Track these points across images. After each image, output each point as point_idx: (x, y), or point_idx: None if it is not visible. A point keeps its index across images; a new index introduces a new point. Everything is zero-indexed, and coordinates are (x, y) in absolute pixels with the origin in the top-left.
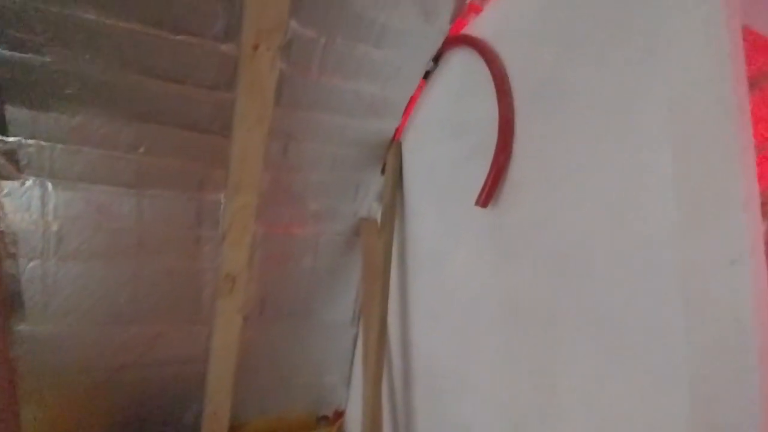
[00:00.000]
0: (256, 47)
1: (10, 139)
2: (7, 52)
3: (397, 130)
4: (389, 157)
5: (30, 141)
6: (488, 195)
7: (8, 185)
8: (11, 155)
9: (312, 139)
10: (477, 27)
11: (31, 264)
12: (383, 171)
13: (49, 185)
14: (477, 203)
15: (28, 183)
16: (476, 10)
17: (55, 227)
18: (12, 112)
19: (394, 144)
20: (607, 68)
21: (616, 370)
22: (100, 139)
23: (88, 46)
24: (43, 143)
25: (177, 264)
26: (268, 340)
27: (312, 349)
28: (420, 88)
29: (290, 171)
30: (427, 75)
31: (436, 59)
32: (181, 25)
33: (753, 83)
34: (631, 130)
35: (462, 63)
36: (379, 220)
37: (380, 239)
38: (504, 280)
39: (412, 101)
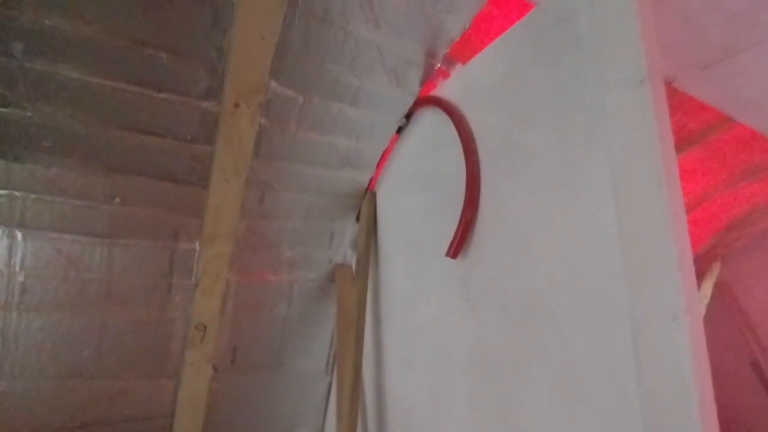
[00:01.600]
0: (237, 105)
1: (16, 192)
2: (26, 113)
3: (371, 180)
4: (364, 205)
5: (2, 192)
6: (457, 246)
7: None
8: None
9: (288, 189)
10: (445, 89)
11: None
12: (358, 219)
13: (19, 235)
14: (447, 254)
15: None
16: (444, 74)
17: (20, 278)
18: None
19: (368, 194)
20: (557, 134)
21: (576, 416)
22: (75, 189)
23: (70, 103)
24: (16, 193)
25: (146, 314)
26: (238, 391)
27: (284, 399)
28: (393, 142)
29: (266, 219)
30: (399, 130)
31: (408, 116)
32: (165, 84)
33: (694, 140)
34: (580, 193)
35: (432, 121)
36: (353, 267)
37: (354, 286)
38: (472, 329)
39: (385, 154)
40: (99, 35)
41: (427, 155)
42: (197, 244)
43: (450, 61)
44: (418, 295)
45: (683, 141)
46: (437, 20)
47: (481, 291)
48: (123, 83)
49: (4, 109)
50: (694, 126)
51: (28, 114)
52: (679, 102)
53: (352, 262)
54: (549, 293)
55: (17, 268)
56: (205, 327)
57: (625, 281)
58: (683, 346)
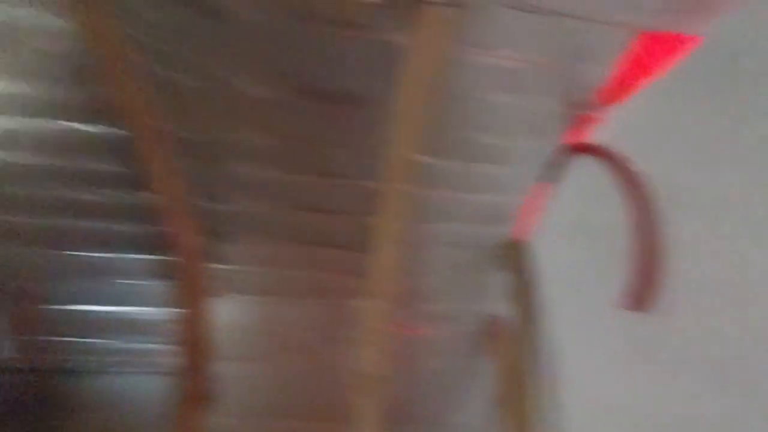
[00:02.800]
0: (392, 181)
1: (220, 266)
2: (220, 207)
3: (520, 231)
4: (514, 257)
5: (216, 265)
6: (637, 300)
7: (216, 301)
8: (220, 278)
9: (438, 246)
10: (597, 134)
11: (219, 364)
12: (509, 271)
13: (228, 298)
14: (624, 307)
15: (228, 299)
16: (594, 120)
17: (225, 333)
18: (226, 244)
19: (518, 245)
20: (748, 177)
21: None
22: (266, 259)
23: (262, 194)
24: (222, 266)
25: (319, 364)
26: None
27: None
28: (544, 192)
29: (418, 276)
30: (547, 180)
31: (557, 166)
32: (333, 171)
33: None
34: None
35: (585, 168)
36: (509, 321)
37: (513, 341)
38: (653, 393)
39: (536, 204)
40: (279, 141)
41: (584, 203)
42: (361, 302)
43: (599, 105)
44: (585, 353)
45: None
46: (578, 71)
47: (676, 352)
48: (301, 175)
49: (214, 204)
50: None
51: (231, 207)
52: None
53: (507, 315)
54: (751, 355)
55: (228, 327)
56: (373, 377)
57: None
58: None
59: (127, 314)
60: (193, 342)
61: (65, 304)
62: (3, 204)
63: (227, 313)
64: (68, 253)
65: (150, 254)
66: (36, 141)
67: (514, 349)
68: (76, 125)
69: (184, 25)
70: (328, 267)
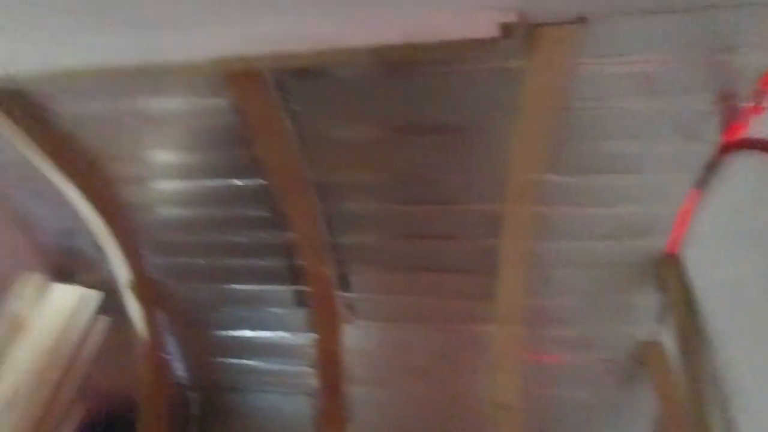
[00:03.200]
0: (516, 202)
1: (350, 294)
2: (347, 240)
3: (671, 244)
4: (666, 274)
5: (348, 294)
6: None
7: (346, 327)
8: (350, 306)
9: (573, 265)
10: (761, 126)
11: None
12: (661, 289)
13: (369, 326)
14: None
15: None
16: (757, 110)
17: (361, 359)
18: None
19: (670, 259)
20: None
21: None
22: (387, 288)
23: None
24: (354, 295)
25: (452, 391)
26: None
27: None
28: (695, 199)
29: (554, 297)
30: (701, 185)
31: (711, 167)
32: (449, 198)
33: None
34: None
35: (748, 167)
36: (664, 344)
37: (675, 367)
38: None
39: (686, 213)
40: (390, 178)
41: (750, 208)
42: (491, 327)
43: (764, 93)
44: (762, 374)
45: None
46: (732, 61)
47: None
48: (417, 206)
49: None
50: None
51: (373, 239)
52: None
53: (662, 339)
54: None
55: (358, 352)
56: (508, 407)
57: None
58: None
59: (272, 339)
60: (328, 365)
61: (223, 329)
62: (180, 249)
63: (357, 339)
64: (224, 286)
65: (290, 285)
66: (200, 197)
67: (674, 377)
68: (229, 181)
69: (315, 90)
70: (451, 292)
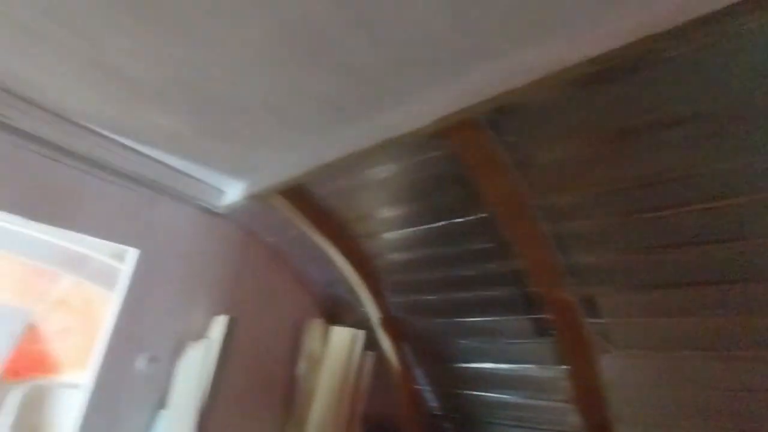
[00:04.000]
0: None
1: (600, 320)
2: (584, 261)
3: None
4: None
5: (613, 320)
6: None
7: (603, 358)
8: (604, 333)
9: None
10: None
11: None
12: None
13: (630, 355)
14: None
15: (615, 355)
16: None
17: (635, 394)
18: (601, 297)
19: None
20: None
21: None
22: (658, 310)
23: (634, 241)
24: (620, 320)
25: None
26: None
27: None
28: None
29: None
30: None
31: None
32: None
33: None
34: None
35: None
36: None
37: None
38: None
39: None
40: (619, 187)
41: None
42: None
43: None
44: None
45: None
46: None
47: None
48: (655, 212)
49: (576, 258)
50: None
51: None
52: None
53: None
54: None
55: (622, 385)
56: None
57: None
58: None
59: (516, 371)
60: (588, 401)
61: (464, 362)
62: (415, 287)
63: (618, 370)
64: (458, 319)
65: (526, 314)
66: (427, 239)
67: None
68: (451, 220)
69: (525, 117)
70: (720, 307)
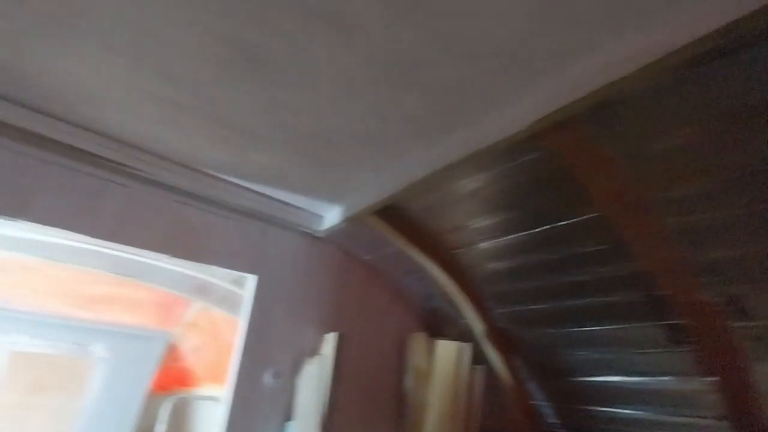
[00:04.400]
0: None
1: (751, 323)
2: (721, 256)
3: None
4: None
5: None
6: None
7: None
8: (757, 338)
9: None
10: None
11: None
12: None
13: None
14: None
15: None
16: None
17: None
18: (749, 297)
19: None
20: None
21: None
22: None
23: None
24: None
25: None
26: None
27: None
28: None
29: None
30: None
31: None
32: None
33: None
34: None
35: None
36: None
37: None
38: None
39: None
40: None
41: None
42: None
43: None
44: None
45: None
46: None
47: None
48: None
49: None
50: None
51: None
52: None
53: None
54: None
55: None
56: None
57: None
58: None
59: (649, 384)
60: (743, 417)
61: (584, 375)
62: (520, 297)
63: None
64: (574, 329)
65: (656, 321)
66: (529, 245)
67: None
68: (556, 223)
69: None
70: None
